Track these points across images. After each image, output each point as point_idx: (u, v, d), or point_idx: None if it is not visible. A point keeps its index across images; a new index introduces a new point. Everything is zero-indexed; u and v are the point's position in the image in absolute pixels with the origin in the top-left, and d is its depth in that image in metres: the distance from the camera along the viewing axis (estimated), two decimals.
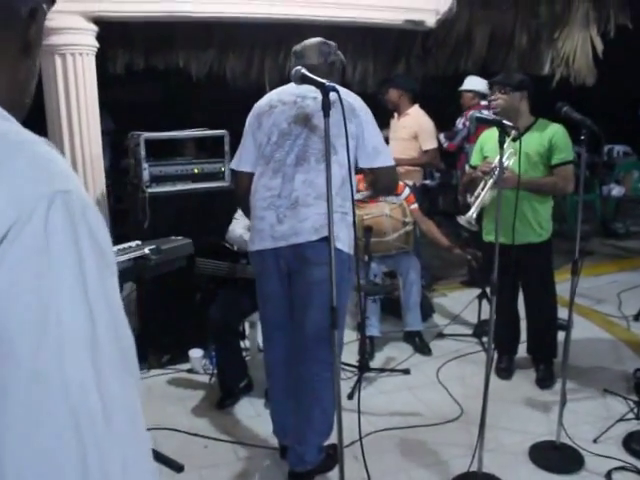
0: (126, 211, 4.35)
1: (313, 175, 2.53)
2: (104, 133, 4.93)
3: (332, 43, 2.72)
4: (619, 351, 4.26)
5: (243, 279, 3.57)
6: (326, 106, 2.09)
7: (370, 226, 3.98)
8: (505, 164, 3.38)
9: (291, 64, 2.63)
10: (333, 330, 2.24)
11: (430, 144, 5.15)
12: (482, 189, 3.52)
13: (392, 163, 2.68)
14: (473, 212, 3.42)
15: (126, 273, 2.68)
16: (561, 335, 4.40)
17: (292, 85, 2.60)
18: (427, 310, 4.79)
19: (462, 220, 3.43)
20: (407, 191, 4.40)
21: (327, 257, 2.20)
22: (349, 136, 2.26)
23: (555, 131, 3.56)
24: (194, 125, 4.18)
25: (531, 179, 3.51)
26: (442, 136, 5.58)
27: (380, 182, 2.74)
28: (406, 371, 3.96)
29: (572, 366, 3.89)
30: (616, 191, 7.14)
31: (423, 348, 4.25)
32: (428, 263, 5.52)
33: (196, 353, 3.97)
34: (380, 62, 5.98)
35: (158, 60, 5.10)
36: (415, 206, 4.43)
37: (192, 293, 3.92)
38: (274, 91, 2.75)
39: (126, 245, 2.85)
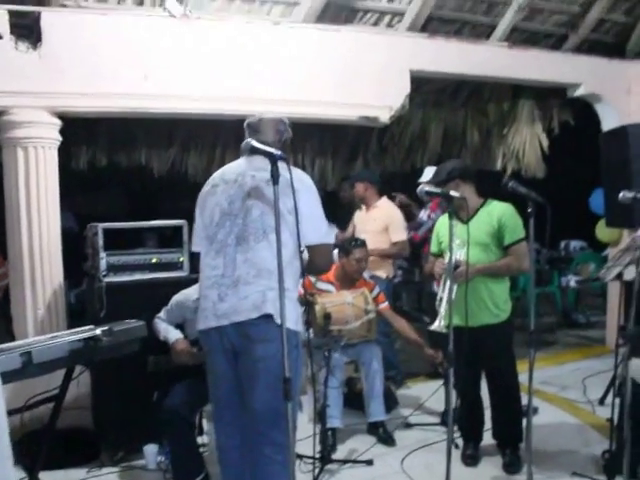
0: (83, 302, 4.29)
1: (251, 254, 2.52)
2: (66, 232, 4.96)
3: (286, 120, 2.75)
4: (586, 434, 4.20)
5: (198, 369, 3.51)
6: (275, 174, 2.14)
7: (329, 313, 3.97)
8: (458, 256, 3.45)
9: (245, 135, 2.67)
10: (287, 403, 2.18)
11: (400, 236, 5.20)
12: (443, 291, 3.55)
13: (329, 242, 2.67)
14: (441, 323, 3.41)
15: (76, 355, 2.60)
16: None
17: (237, 162, 2.67)
18: (391, 402, 4.70)
19: (433, 327, 3.44)
20: (377, 289, 4.42)
21: (270, 334, 2.18)
22: (288, 212, 2.31)
23: (503, 211, 3.64)
24: (159, 217, 4.22)
25: (485, 266, 3.57)
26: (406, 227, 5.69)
27: (315, 261, 2.65)
28: (369, 462, 3.81)
29: (540, 450, 3.85)
30: (574, 281, 7.31)
31: (387, 439, 4.12)
32: (400, 359, 5.48)
33: (151, 449, 3.79)
34: (338, 160, 6.20)
35: (121, 157, 5.21)
36: (385, 304, 4.41)
37: (149, 388, 3.79)
38: (219, 170, 2.79)
39: (78, 329, 2.79)
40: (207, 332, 2.60)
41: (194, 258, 3.64)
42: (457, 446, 3.95)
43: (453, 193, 2.67)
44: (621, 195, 2.88)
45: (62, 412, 3.96)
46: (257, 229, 2.52)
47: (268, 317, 2.44)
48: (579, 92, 5.75)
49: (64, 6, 4.17)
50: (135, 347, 2.94)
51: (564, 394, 5.05)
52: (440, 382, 4.63)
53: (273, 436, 2.45)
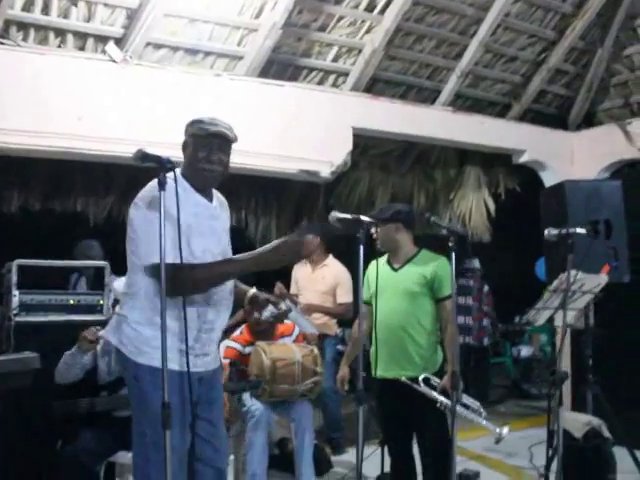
0: None
1: None
2: None
3: (190, 120, 2.46)
4: None
5: (106, 416, 3.28)
6: (162, 181, 2.04)
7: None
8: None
9: None
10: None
11: (347, 298, 5.03)
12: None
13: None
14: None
15: None
16: None
17: None
18: (324, 465, 4.44)
19: None
20: (297, 330, 4.27)
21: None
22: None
23: (438, 264, 3.54)
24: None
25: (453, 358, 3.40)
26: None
27: None
28: None
29: None
30: (525, 351, 7.20)
31: None
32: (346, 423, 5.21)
33: None
34: (283, 218, 6.13)
35: (55, 203, 5.07)
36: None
37: (52, 438, 3.51)
38: None
39: None
40: None
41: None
42: None
43: (364, 218, 2.60)
44: (546, 232, 2.83)
45: None
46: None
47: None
48: (523, 159, 5.86)
49: (1, 44, 4.13)
50: (26, 381, 2.72)
51: (510, 461, 4.85)
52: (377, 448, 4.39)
53: None
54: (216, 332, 2.41)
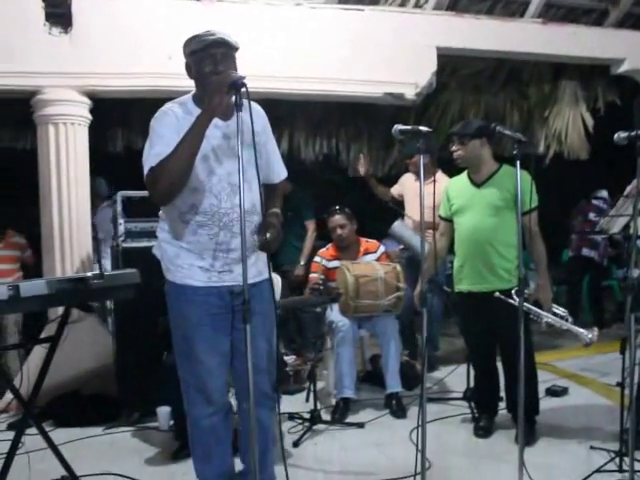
0: None
1: None
2: (101, 197, 5.23)
3: (185, 40, 2.40)
4: (615, 414, 3.96)
5: None
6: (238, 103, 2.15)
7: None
8: None
9: None
10: None
11: None
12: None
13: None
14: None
15: (64, 294, 2.70)
16: (555, 401, 4.23)
17: None
18: (414, 380, 4.61)
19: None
20: (382, 248, 4.42)
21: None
22: None
23: (523, 177, 3.54)
24: None
25: (544, 279, 3.54)
26: None
27: None
28: (360, 425, 3.83)
29: (560, 426, 3.76)
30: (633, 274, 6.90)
31: (397, 411, 4.04)
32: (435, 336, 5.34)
33: (164, 411, 3.88)
34: (374, 145, 6.17)
35: None
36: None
37: (160, 351, 3.90)
38: None
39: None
40: None
41: None
42: (474, 419, 3.85)
43: (423, 128, 2.65)
44: (616, 136, 2.74)
45: (88, 380, 4.23)
46: None
47: None
48: (623, 68, 5.50)
49: None
50: (129, 294, 3.00)
51: (603, 379, 4.79)
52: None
53: None
54: (236, 252, 2.35)
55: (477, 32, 5.14)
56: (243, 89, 2.10)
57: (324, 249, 4.57)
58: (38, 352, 3.66)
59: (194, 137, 2.18)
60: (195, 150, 2.20)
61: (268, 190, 2.50)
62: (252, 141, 2.16)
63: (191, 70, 2.37)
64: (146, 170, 2.24)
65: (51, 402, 4.07)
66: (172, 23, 4.47)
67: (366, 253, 4.47)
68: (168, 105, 2.36)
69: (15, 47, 4.16)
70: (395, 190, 5.40)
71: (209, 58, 2.28)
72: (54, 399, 4.09)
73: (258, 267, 2.47)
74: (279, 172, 2.61)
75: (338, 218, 4.45)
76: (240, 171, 2.08)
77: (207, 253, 2.36)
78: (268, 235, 2.28)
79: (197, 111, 2.26)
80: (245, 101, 2.13)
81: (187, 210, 2.35)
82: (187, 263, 2.37)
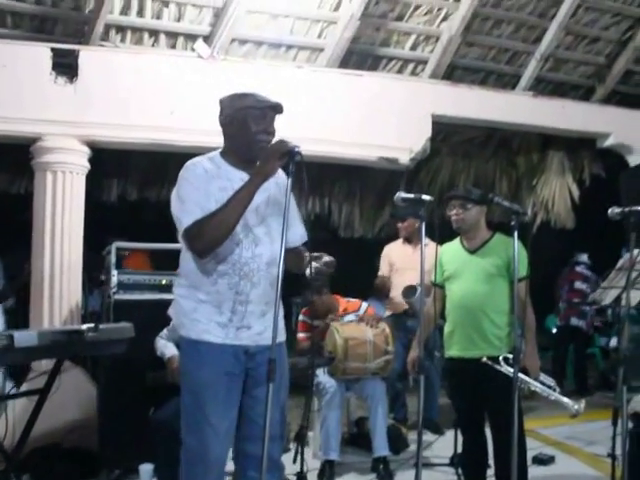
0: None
1: None
2: None
3: (232, 95, 2.44)
4: None
5: None
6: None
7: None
8: None
9: None
10: None
11: None
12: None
13: None
14: None
15: (59, 346, 2.69)
16: (542, 469, 4.21)
17: None
18: (401, 443, 4.56)
19: None
20: (365, 305, 4.44)
21: None
22: None
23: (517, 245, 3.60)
24: None
25: (533, 348, 3.51)
26: None
27: None
28: None
29: None
30: (614, 342, 6.98)
31: (385, 476, 3.97)
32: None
33: (146, 468, 3.78)
34: (366, 206, 6.27)
35: (151, 192, 5.46)
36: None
37: (147, 405, 3.84)
38: None
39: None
40: None
41: None
42: None
43: (425, 197, 2.71)
44: (610, 211, 2.83)
45: (70, 432, 4.12)
46: None
47: None
48: (608, 142, 5.71)
49: (102, 45, 4.52)
50: (122, 348, 3.00)
51: (589, 449, 4.77)
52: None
53: None
54: (254, 304, 2.33)
55: (470, 101, 5.33)
56: (297, 157, 2.19)
57: (305, 308, 4.55)
58: (20, 401, 3.59)
59: (244, 196, 2.23)
60: (243, 209, 2.25)
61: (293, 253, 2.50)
62: (284, 202, 2.22)
63: (234, 123, 2.38)
64: (187, 222, 2.23)
65: (30, 454, 3.95)
66: (175, 79, 4.59)
67: (345, 313, 4.46)
68: (197, 159, 2.39)
69: (20, 94, 4.22)
70: (384, 270, 5.21)
71: (263, 118, 2.35)
72: (33, 451, 3.97)
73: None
74: (302, 234, 2.58)
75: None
76: (283, 231, 2.17)
77: (226, 305, 2.31)
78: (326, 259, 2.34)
79: (225, 165, 2.36)
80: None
81: (208, 259, 2.32)
82: (205, 317, 2.31)
